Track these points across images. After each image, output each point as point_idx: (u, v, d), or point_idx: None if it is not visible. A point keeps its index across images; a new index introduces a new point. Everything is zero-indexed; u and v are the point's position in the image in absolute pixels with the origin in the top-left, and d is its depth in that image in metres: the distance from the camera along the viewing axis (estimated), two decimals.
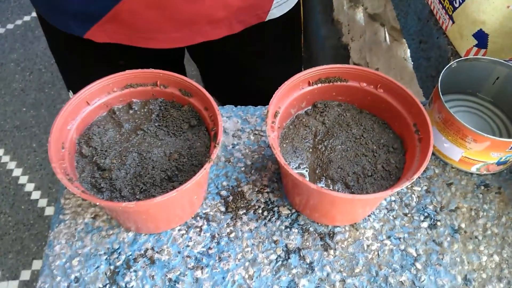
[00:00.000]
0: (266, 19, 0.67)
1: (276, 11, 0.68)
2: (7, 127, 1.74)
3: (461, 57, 0.71)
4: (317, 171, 0.47)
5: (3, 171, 1.62)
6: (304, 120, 0.50)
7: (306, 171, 0.47)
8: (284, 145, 0.48)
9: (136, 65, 0.71)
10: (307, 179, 0.47)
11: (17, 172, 1.62)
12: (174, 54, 0.76)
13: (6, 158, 1.66)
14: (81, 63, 0.71)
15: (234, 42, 0.69)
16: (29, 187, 1.58)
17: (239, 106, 0.62)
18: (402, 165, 0.47)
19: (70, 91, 0.76)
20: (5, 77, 1.90)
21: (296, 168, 0.47)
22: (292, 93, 0.49)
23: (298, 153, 0.48)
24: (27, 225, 1.51)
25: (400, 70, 1.29)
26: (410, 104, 0.47)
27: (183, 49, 0.79)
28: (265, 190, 0.53)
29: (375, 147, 0.48)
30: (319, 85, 0.50)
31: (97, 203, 0.38)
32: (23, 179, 1.60)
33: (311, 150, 0.49)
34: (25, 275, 1.40)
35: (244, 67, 0.79)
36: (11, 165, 1.64)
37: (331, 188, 0.46)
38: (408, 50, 1.14)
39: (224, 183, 0.54)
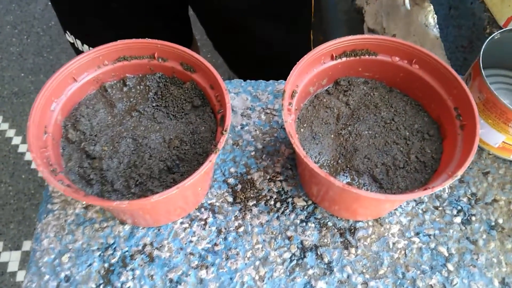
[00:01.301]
0: None
1: None
2: (5, 93, 1.68)
3: (499, 25, 0.63)
4: (340, 161, 0.41)
5: (2, 139, 1.58)
6: (325, 100, 0.44)
7: (327, 162, 0.41)
8: (302, 130, 0.42)
9: (129, 9, 0.63)
10: (327, 171, 0.41)
11: (17, 140, 1.57)
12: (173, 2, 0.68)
13: (5, 126, 1.61)
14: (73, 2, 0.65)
15: None
16: (29, 156, 1.54)
17: (248, 81, 0.55)
18: (439, 156, 0.40)
19: (67, 32, 0.69)
20: (1, 41, 1.82)
21: (315, 156, 0.41)
22: (312, 68, 0.42)
23: (318, 139, 0.41)
24: (28, 194, 1.48)
25: (421, 37, 1.19)
26: (451, 84, 0.40)
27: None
28: (278, 178, 0.47)
29: (407, 133, 0.42)
30: (344, 59, 0.43)
31: (84, 202, 0.32)
32: (22, 148, 1.56)
33: (333, 136, 0.42)
34: (27, 245, 1.38)
35: (244, 25, 0.70)
36: (10, 133, 1.59)
37: (356, 181, 0.40)
38: (431, 16, 1.05)
39: (232, 170, 0.48)
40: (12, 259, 1.37)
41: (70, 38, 0.69)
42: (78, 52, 0.70)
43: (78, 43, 0.69)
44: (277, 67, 0.51)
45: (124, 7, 0.63)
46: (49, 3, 1.87)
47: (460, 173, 0.35)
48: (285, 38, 0.72)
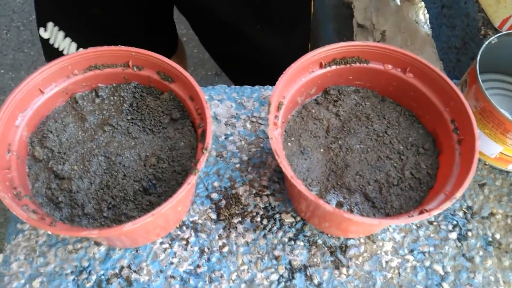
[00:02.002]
0: None
1: None
2: None
3: (494, 27, 0.61)
4: (330, 178, 0.38)
5: None
6: (313, 111, 0.41)
7: (316, 179, 0.38)
8: (289, 144, 0.39)
9: (111, 11, 0.60)
10: (316, 189, 0.38)
11: None
12: (158, 5, 0.65)
13: None
14: None
15: None
16: None
17: (232, 87, 0.52)
18: (435, 171, 0.38)
19: (41, 28, 0.64)
20: None
21: (304, 173, 0.38)
22: (300, 77, 0.39)
23: (306, 154, 0.39)
24: None
25: (411, 34, 1.17)
26: (448, 95, 0.37)
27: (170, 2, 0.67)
28: (265, 193, 0.44)
29: (401, 147, 0.39)
30: (333, 67, 0.40)
31: (49, 232, 0.29)
32: None
33: (322, 150, 0.39)
34: None
35: (235, 28, 0.66)
36: None
37: (347, 199, 0.37)
38: (421, 12, 1.02)
39: (216, 184, 0.45)
40: None
41: (46, 33, 0.64)
42: (52, 50, 0.65)
43: (59, 38, 0.63)
44: (274, 74, 0.47)
45: (106, 9, 0.60)
46: None
47: (459, 195, 0.32)
48: (282, 43, 0.68)
